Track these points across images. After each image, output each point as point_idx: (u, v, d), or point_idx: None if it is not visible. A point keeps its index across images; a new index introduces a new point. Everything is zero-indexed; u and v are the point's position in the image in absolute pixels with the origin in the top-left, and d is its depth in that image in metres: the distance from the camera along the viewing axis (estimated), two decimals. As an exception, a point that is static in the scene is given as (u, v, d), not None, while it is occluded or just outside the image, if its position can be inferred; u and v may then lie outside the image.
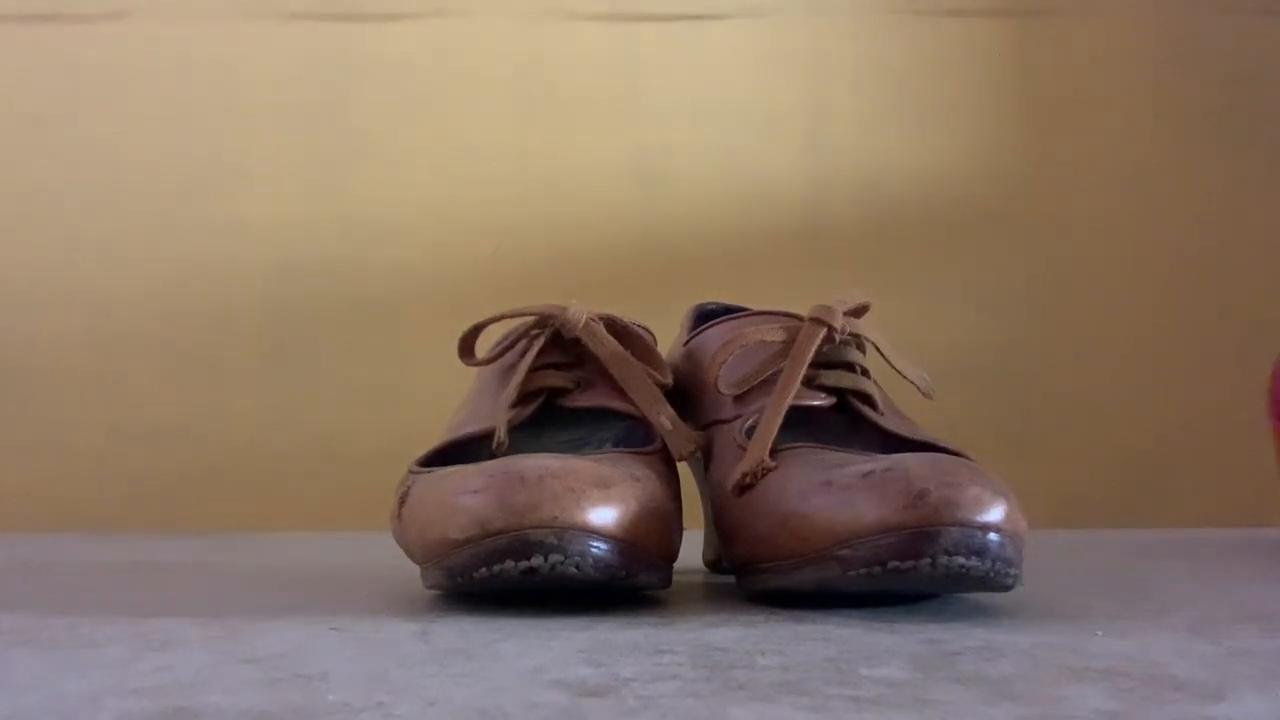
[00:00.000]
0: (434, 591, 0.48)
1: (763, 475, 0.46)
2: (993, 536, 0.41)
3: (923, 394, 0.52)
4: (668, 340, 0.61)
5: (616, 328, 0.53)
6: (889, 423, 0.50)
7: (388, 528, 0.50)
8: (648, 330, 0.56)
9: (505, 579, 0.41)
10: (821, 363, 0.50)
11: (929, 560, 0.40)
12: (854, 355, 0.52)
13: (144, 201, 1.14)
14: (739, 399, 0.51)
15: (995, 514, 0.41)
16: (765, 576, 0.46)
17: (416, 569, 0.47)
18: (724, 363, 0.52)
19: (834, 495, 0.42)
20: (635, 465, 0.46)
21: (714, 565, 0.62)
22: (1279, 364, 0.84)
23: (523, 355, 0.52)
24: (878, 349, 0.51)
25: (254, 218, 1.14)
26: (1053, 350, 1.14)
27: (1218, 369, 1.06)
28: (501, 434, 0.49)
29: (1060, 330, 1.14)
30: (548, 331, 0.52)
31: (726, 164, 1.16)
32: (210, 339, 1.12)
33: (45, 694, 0.31)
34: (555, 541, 0.41)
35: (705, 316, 0.62)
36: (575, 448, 0.50)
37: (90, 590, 0.56)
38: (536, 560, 0.41)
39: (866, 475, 0.42)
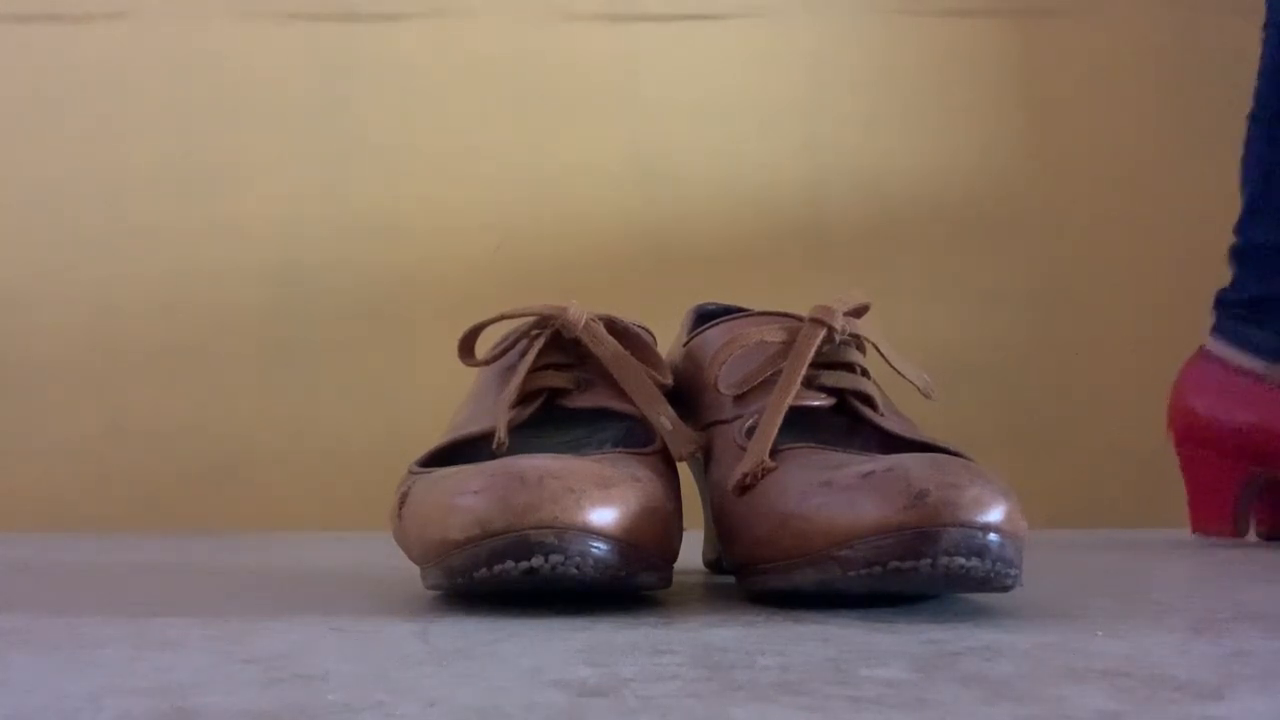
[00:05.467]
0: (434, 591, 0.48)
1: (763, 475, 0.46)
2: (993, 537, 0.40)
3: (923, 394, 0.52)
4: (668, 340, 0.61)
5: (617, 328, 0.53)
6: (889, 423, 0.50)
7: (388, 528, 0.50)
8: (648, 330, 0.56)
9: (505, 579, 0.41)
10: (821, 363, 0.50)
11: (929, 561, 0.40)
12: (854, 355, 0.52)
13: (144, 201, 1.14)
14: (739, 399, 0.51)
15: (995, 514, 0.41)
16: (765, 577, 0.46)
17: (416, 569, 0.47)
18: (724, 363, 0.52)
19: (834, 495, 0.42)
20: (635, 465, 0.46)
21: (714, 565, 0.62)
22: (1179, 380, 0.85)
23: (523, 355, 0.52)
24: (878, 349, 0.51)
25: (254, 218, 1.14)
26: (1053, 350, 1.14)
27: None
28: (501, 434, 0.49)
29: (1061, 330, 1.14)
30: (548, 332, 0.52)
31: (726, 164, 1.16)
32: (210, 339, 1.12)
33: (45, 694, 0.31)
34: (555, 542, 0.41)
35: (705, 317, 0.61)
36: (575, 448, 0.49)
37: (90, 590, 0.56)
38: (537, 560, 0.41)
39: (866, 475, 0.42)
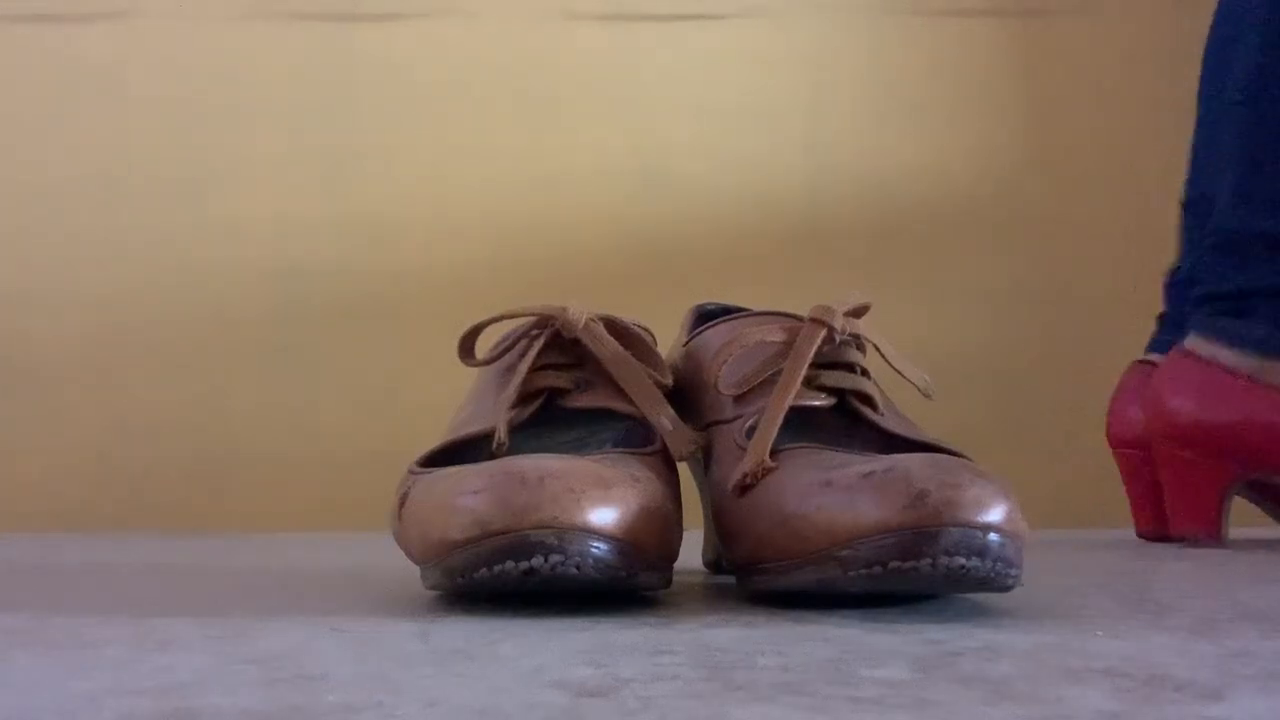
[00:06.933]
0: (434, 591, 0.48)
1: (763, 476, 0.46)
2: (993, 537, 0.40)
3: (923, 394, 0.52)
4: (668, 340, 0.61)
5: (617, 328, 0.53)
6: (889, 423, 0.50)
7: (388, 528, 0.50)
8: (648, 331, 0.56)
9: (505, 579, 0.41)
10: (821, 363, 0.50)
11: (929, 561, 0.40)
12: (854, 356, 0.52)
13: (144, 201, 1.14)
14: (739, 399, 0.51)
15: (996, 514, 0.41)
16: (765, 577, 0.46)
17: (416, 569, 0.47)
18: (724, 363, 0.52)
19: (834, 496, 0.42)
20: (635, 465, 0.46)
21: (714, 565, 0.62)
22: (1117, 390, 0.85)
23: (523, 355, 0.52)
24: (878, 349, 0.51)
25: (254, 218, 1.14)
26: (1053, 350, 1.14)
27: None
28: (501, 434, 0.49)
29: (1061, 330, 1.14)
30: (548, 332, 0.52)
31: (726, 164, 1.16)
32: (211, 339, 1.13)
33: (46, 694, 0.31)
34: (555, 542, 0.41)
35: (705, 317, 0.61)
36: (575, 448, 0.49)
37: (90, 590, 0.56)
38: (537, 561, 0.41)
39: (867, 476, 0.42)
